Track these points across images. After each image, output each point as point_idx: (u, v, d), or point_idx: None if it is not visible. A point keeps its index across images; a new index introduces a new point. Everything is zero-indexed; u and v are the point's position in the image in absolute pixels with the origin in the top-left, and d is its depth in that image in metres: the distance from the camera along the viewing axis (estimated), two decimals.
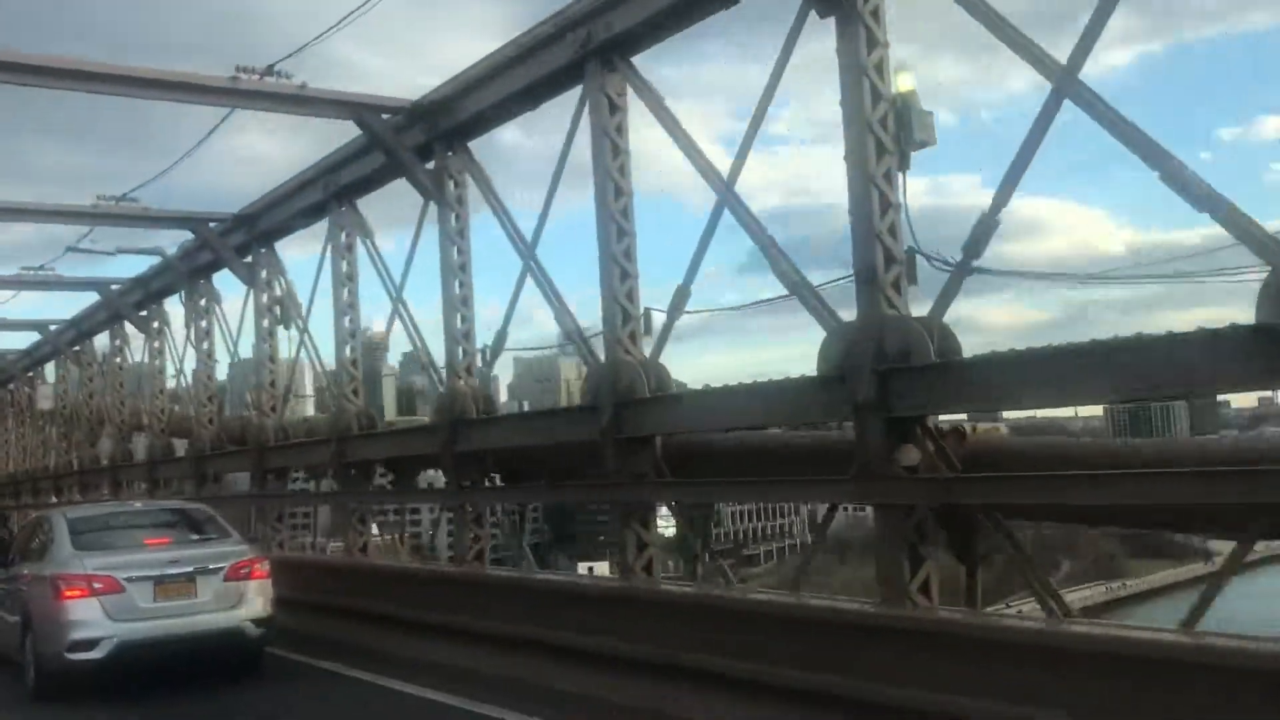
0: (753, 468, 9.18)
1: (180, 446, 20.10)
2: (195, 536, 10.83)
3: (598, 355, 9.94)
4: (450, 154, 11.94)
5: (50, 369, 28.66)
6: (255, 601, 10.07)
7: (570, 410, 11.17)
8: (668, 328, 9.37)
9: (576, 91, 9.92)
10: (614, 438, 9.38)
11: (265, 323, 16.36)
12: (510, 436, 11.45)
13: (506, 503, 13.05)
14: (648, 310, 9.70)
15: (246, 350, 17.37)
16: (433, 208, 12.06)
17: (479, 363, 11.81)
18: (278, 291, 16.11)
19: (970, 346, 7.20)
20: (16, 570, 10.95)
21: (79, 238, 17.19)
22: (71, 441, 26.94)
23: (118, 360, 23.38)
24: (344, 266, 14.14)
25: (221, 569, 9.95)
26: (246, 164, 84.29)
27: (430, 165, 12.04)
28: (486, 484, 12.05)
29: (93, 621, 9.34)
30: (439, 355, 12.28)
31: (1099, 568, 68.34)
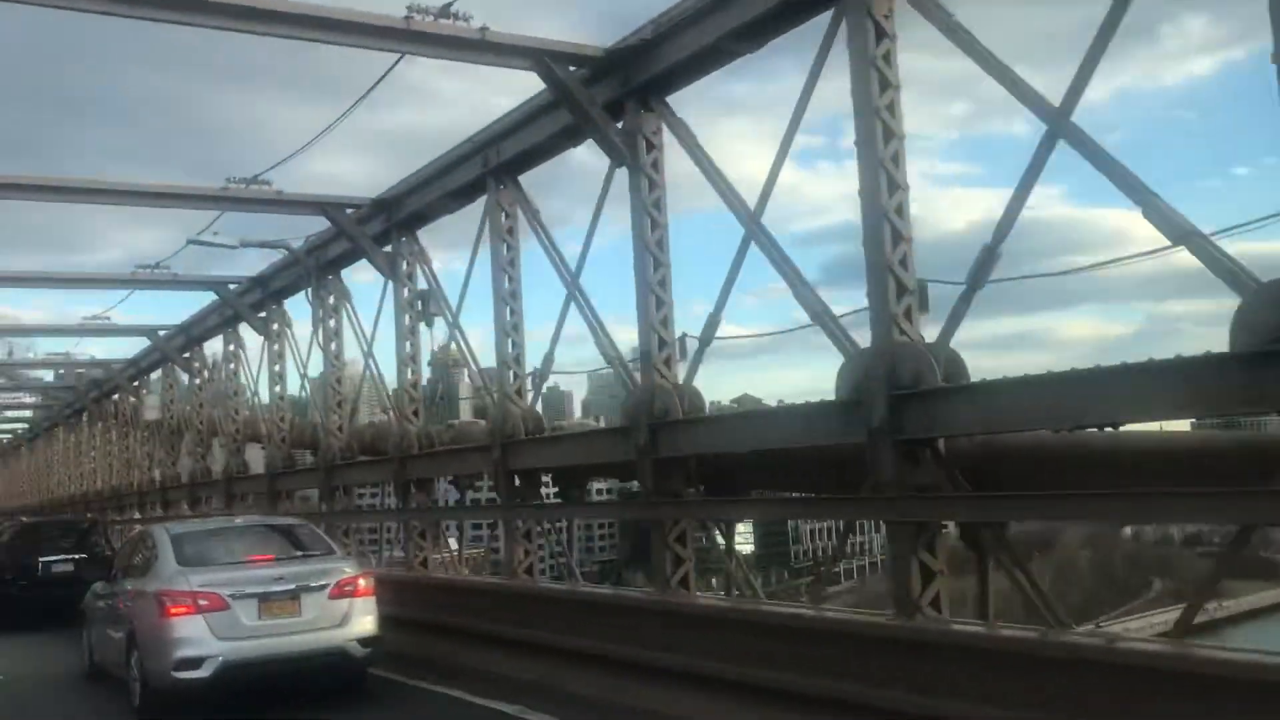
0: (770, 479, 9.64)
1: (288, 457, 18.92)
2: (299, 552, 10.62)
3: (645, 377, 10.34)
4: (644, 111, 10.20)
5: (157, 378, 27.89)
6: (361, 620, 9.86)
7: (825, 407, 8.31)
8: (699, 355, 9.85)
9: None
10: (651, 458, 9.85)
11: (407, 319, 14.74)
12: (717, 440, 9.71)
13: (572, 519, 13.48)
14: (683, 336, 10.18)
15: (378, 351, 16.35)
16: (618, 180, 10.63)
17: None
18: (421, 284, 14.54)
19: (1042, 364, 7.45)
20: (120, 586, 10.97)
21: (203, 228, 15.53)
22: (179, 453, 26.27)
23: (231, 366, 22.25)
24: (505, 251, 12.52)
25: (326, 586, 9.77)
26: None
27: (620, 124, 10.35)
28: (541, 498, 12.59)
29: (198, 639, 9.19)
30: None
31: (1194, 587, 66.22)
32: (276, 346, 19.36)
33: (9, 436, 51.45)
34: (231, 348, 22.04)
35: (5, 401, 44.57)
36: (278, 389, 19.54)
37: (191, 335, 23.67)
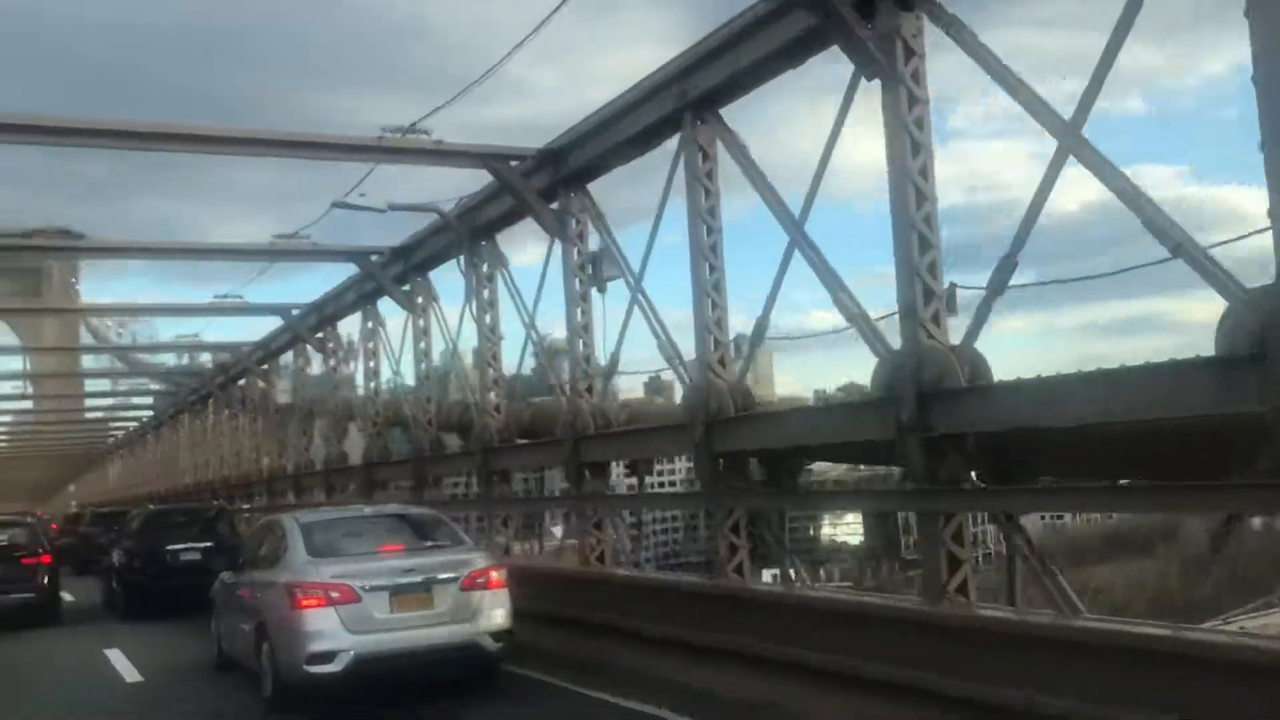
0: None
1: (436, 441, 17.70)
2: (428, 543, 10.34)
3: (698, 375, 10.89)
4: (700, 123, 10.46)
5: (287, 363, 26.47)
6: (493, 613, 9.58)
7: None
8: (749, 357, 10.44)
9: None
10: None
11: (578, 284, 13.16)
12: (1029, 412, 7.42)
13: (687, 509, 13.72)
14: (738, 336, 10.78)
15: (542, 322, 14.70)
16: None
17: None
18: (593, 244, 13.07)
19: (1160, 349, 7.62)
20: (249, 576, 10.81)
21: (350, 189, 14.53)
22: (311, 438, 25.02)
23: (370, 345, 20.41)
24: (703, 200, 10.71)
25: (458, 578, 9.49)
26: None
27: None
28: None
29: (330, 633, 8.98)
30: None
31: None
32: (421, 321, 17.79)
33: (135, 424, 51.66)
34: (370, 325, 20.33)
35: (132, 388, 46.36)
36: (423, 367, 18.05)
37: (324, 314, 22.21)
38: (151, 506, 25.96)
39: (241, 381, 30.90)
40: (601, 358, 13.07)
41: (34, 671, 12.86)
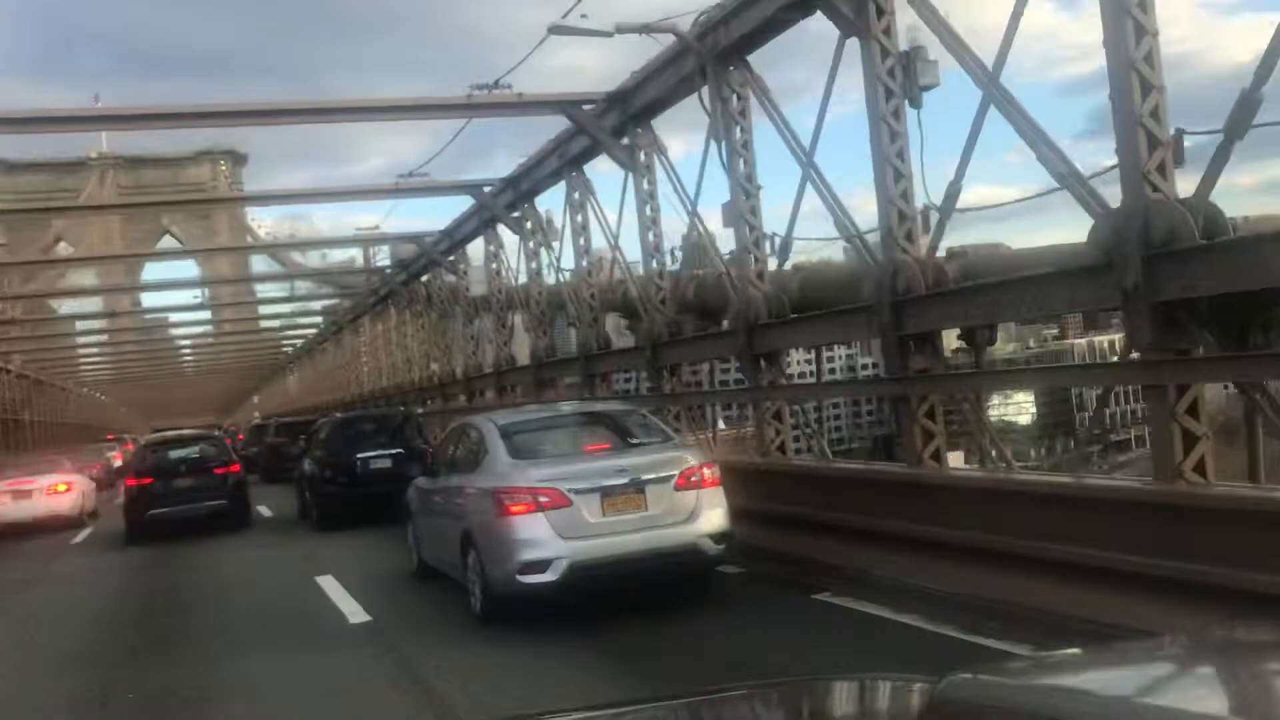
0: None
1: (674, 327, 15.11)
2: (635, 440, 9.57)
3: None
4: None
5: (477, 248, 23.90)
6: (711, 514, 8.85)
7: None
8: (939, 229, 9.64)
9: None
10: (893, 333, 9.81)
11: (741, 166, 12.78)
12: None
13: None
14: (925, 208, 9.96)
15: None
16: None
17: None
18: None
19: None
20: (446, 481, 10.29)
21: (457, 132, 17.12)
22: (507, 334, 23.28)
23: (579, 218, 17.41)
24: (880, 62, 10.09)
25: (670, 477, 8.75)
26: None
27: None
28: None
29: (542, 540, 8.40)
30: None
31: None
32: (646, 183, 15.39)
33: (313, 331, 52.02)
34: (577, 195, 17.90)
35: (308, 292, 47.59)
36: (651, 237, 15.32)
37: (520, 190, 20.37)
38: (339, 415, 24.51)
39: (425, 277, 28.71)
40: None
41: (253, 617, 10.74)
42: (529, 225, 19.35)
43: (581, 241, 17.33)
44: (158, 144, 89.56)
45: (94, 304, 47.34)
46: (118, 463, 34.92)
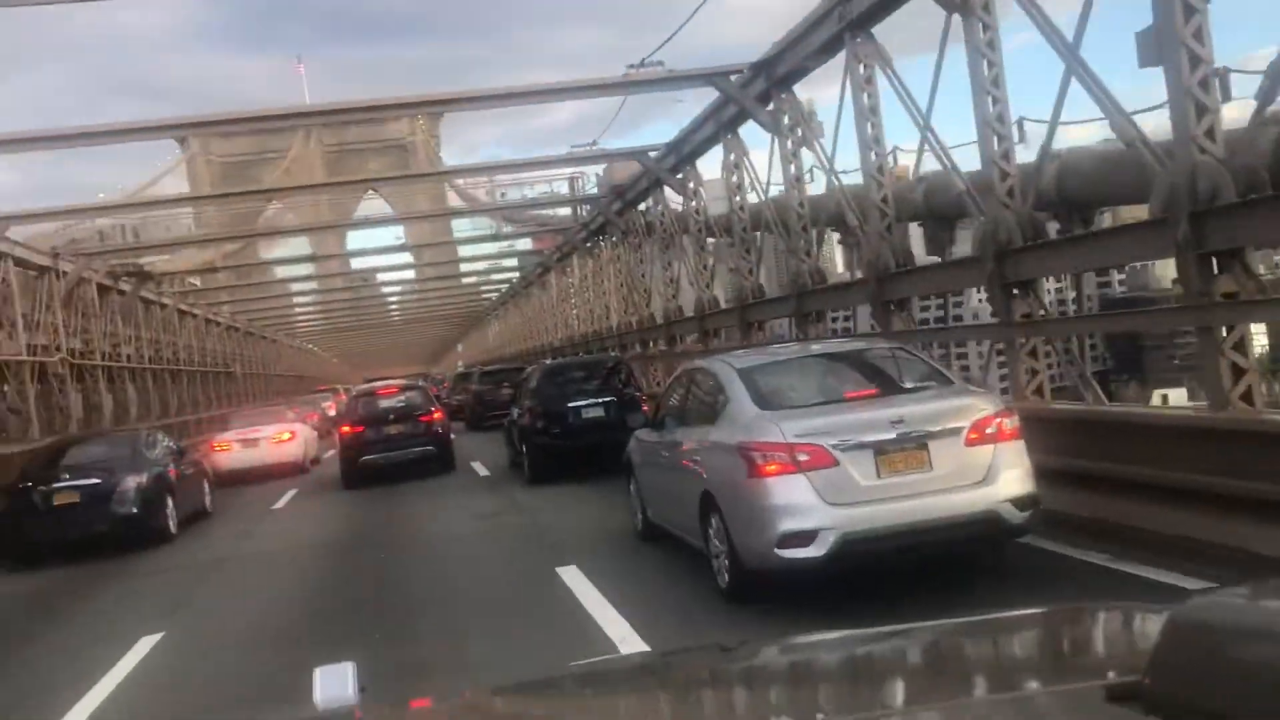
0: None
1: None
2: (909, 385, 8.02)
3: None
4: None
5: (707, 164, 21.15)
6: (1011, 473, 7.23)
7: None
8: (1258, 113, 7.76)
9: None
10: (1192, 249, 8.05)
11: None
12: None
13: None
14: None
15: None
16: (956, 21, 10.85)
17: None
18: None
19: None
20: (676, 434, 9.03)
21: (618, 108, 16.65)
22: (754, 261, 19.98)
23: (866, 98, 13.20)
24: (865, 99, 13.05)
25: (960, 429, 7.18)
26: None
27: None
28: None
29: (806, 508, 7.01)
30: None
31: None
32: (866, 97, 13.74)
33: (515, 276, 51.55)
34: (863, 69, 15.40)
35: (512, 232, 47.24)
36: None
37: (683, 153, 20.13)
38: (548, 362, 23.78)
39: (643, 205, 25.38)
40: None
41: (506, 640, 8.06)
42: (786, 119, 15.85)
43: (870, 129, 13.42)
44: (359, 99, 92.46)
45: (303, 256, 48.81)
46: (332, 412, 35.93)
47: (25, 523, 13.99)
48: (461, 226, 50.11)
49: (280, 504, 18.05)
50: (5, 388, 20.06)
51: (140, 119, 16.21)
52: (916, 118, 11.87)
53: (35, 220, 21.16)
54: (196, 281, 38.89)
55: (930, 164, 13.21)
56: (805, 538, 6.97)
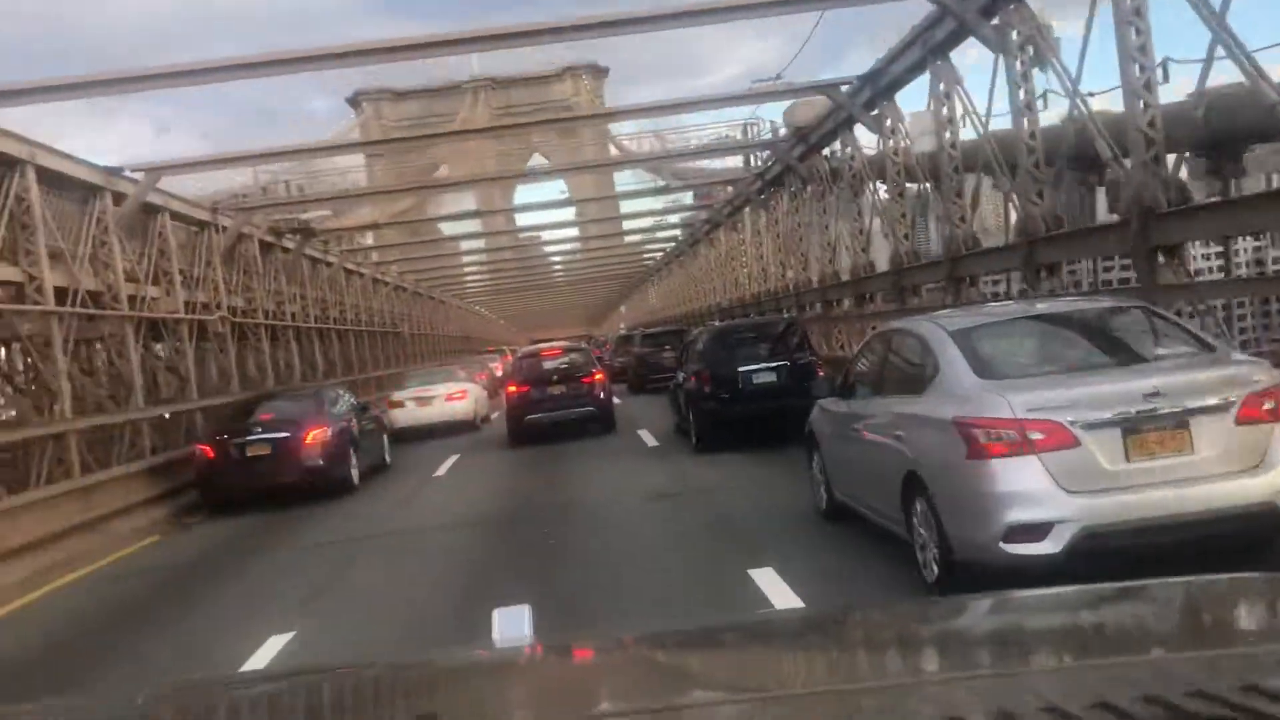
0: None
1: None
2: (1162, 352, 6.75)
3: None
4: None
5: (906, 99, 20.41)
6: None
7: None
8: None
9: None
10: None
11: (1022, 94, 13.12)
12: None
13: None
14: None
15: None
16: None
17: None
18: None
19: None
20: (869, 405, 7.99)
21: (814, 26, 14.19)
22: (870, 237, 20.68)
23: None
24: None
25: (1230, 405, 5.97)
26: None
27: None
28: None
29: (1039, 495, 5.92)
30: None
31: None
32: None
33: (679, 235, 50.21)
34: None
35: (674, 201, 45.48)
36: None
37: (880, 86, 17.86)
38: (717, 323, 23.16)
39: (827, 151, 22.70)
40: None
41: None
42: (1015, 34, 13.20)
43: (1135, 35, 10.84)
44: (524, 64, 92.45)
45: (472, 222, 48.40)
46: (499, 373, 35.86)
47: (222, 473, 14.94)
48: (625, 181, 48.70)
49: (441, 470, 17.18)
50: (162, 346, 19.41)
51: (300, 49, 14.81)
52: (1204, 14, 9.38)
53: (194, 169, 20.35)
54: (369, 238, 38.43)
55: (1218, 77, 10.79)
56: (1038, 531, 5.92)
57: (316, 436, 15.09)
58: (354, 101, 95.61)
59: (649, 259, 61.58)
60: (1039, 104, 13.10)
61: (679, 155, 33.25)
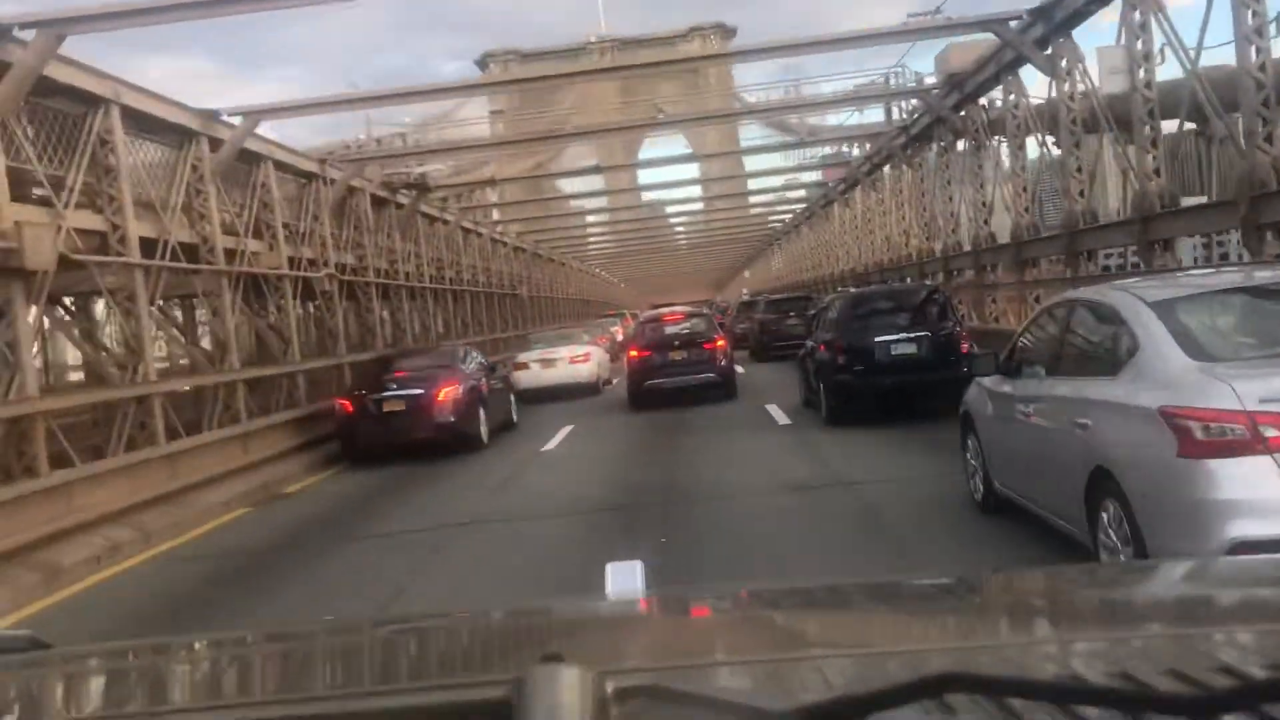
0: None
1: None
2: None
3: None
4: None
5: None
6: None
7: None
8: None
9: None
10: None
11: None
12: None
13: None
14: None
15: None
16: None
17: None
18: None
19: None
20: (1044, 387, 6.98)
21: None
22: (993, 209, 19.77)
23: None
24: None
25: None
26: None
27: None
28: None
29: (1273, 506, 4.90)
30: None
31: None
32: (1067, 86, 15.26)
33: (805, 195, 47.90)
34: (1013, 97, 18.00)
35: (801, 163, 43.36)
36: None
37: (1055, 21, 15.82)
38: (852, 289, 21.54)
39: (982, 100, 20.85)
40: None
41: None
42: None
43: None
44: (650, 24, 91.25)
45: (593, 183, 47.20)
46: (619, 337, 35.62)
47: (360, 427, 15.66)
48: (752, 136, 46.62)
49: (552, 445, 16.04)
50: (266, 304, 18.41)
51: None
52: None
53: (297, 113, 19.13)
54: (493, 195, 37.25)
55: None
56: (1271, 549, 4.35)
57: (449, 394, 15.67)
58: (481, 63, 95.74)
59: (775, 222, 59.51)
60: (1270, 29, 10.82)
61: (810, 106, 30.61)
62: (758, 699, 1.12)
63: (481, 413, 16.41)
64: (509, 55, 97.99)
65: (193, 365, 17.41)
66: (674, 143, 53.14)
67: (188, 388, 16.13)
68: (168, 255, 14.11)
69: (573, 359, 24.32)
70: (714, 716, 1.04)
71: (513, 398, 19.52)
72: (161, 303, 16.15)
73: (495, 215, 39.36)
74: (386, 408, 15.57)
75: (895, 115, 27.64)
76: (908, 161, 27.51)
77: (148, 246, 13.72)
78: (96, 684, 1.81)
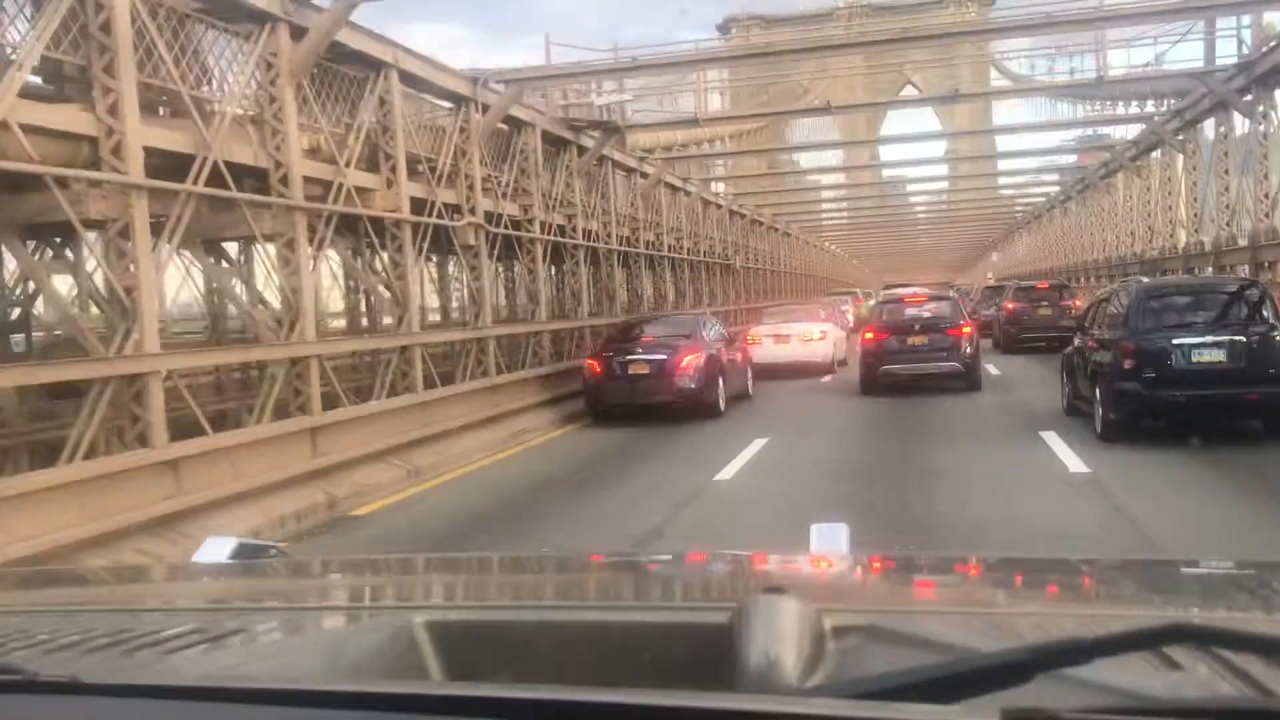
0: None
1: None
2: None
3: None
4: None
5: None
6: None
7: None
8: None
9: None
10: None
11: None
12: None
13: None
14: None
15: None
16: None
17: None
18: None
19: None
20: None
21: None
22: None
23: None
24: None
25: None
26: None
27: None
28: None
29: None
30: None
31: None
32: None
33: (1065, 169, 45.77)
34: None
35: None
36: None
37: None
38: (1143, 280, 18.26)
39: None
40: None
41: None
42: None
43: None
44: None
45: (830, 157, 46.36)
46: (850, 316, 34.65)
47: (606, 386, 16.41)
48: (1010, 113, 44.42)
49: (743, 458, 14.28)
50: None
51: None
52: None
53: (558, 80, 19.48)
54: (723, 141, 35.94)
55: None
56: None
57: (691, 361, 16.25)
58: (724, 29, 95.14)
59: (1022, 207, 56.60)
60: None
61: (1087, 87, 27.51)
62: (976, 642, 1.11)
63: (720, 382, 16.80)
64: (751, 20, 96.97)
65: (445, 318, 18.06)
66: (921, 115, 51.34)
67: (451, 340, 17.15)
68: (434, 214, 14.73)
69: (808, 337, 23.95)
70: (930, 658, 1.02)
71: (749, 370, 19.62)
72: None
73: (715, 173, 36.98)
74: (632, 370, 16.30)
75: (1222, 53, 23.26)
76: (1180, 148, 25.35)
77: (416, 206, 14.36)
78: (335, 581, 2.14)
